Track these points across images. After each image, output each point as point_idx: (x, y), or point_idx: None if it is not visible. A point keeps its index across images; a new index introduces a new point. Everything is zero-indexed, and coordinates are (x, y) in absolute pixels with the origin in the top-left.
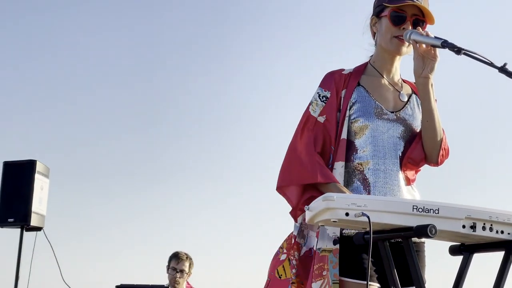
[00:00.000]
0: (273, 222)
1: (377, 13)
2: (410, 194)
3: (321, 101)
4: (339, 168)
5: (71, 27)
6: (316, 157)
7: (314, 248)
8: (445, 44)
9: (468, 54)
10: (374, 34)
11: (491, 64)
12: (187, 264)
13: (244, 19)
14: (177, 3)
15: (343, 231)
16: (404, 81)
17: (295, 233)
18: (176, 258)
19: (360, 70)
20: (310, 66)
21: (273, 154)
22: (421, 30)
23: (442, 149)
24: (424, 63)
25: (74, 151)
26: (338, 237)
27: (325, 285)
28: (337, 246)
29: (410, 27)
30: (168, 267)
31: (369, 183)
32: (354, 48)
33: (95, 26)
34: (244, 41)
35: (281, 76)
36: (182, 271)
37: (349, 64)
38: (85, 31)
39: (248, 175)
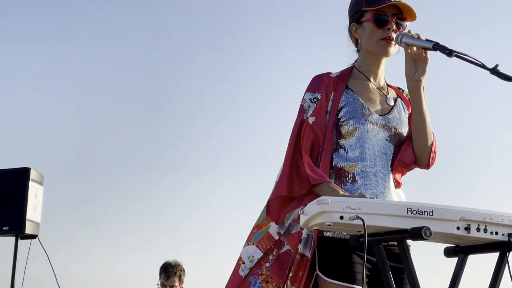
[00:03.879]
0: None
1: (357, 19)
2: (399, 197)
3: (312, 102)
4: (326, 171)
5: (70, 30)
6: (307, 159)
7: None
8: (437, 47)
9: (459, 56)
10: (356, 41)
11: (482, 66)
12: (176, 279)
13: (250, 20)
14: (182, 2)
15: (326, 233)
16: (388, 85)
17: (281, 231)
18: (164, 273)
19: (347, 73)
20: (314, 67)
21: (276, 154)
22: (412, 32)
23: (433, 152)
24: (416, 66)
25: (68, 158)
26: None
27: None
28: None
29: (394, 26)
30: (159, 280)
31: (360, 186)
32: (342, 54)
33: (94, 29)
34: (248, 41)
35: (288, 78)
36: (172, 286)
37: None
38: (84, 34)
39: (250, 175)
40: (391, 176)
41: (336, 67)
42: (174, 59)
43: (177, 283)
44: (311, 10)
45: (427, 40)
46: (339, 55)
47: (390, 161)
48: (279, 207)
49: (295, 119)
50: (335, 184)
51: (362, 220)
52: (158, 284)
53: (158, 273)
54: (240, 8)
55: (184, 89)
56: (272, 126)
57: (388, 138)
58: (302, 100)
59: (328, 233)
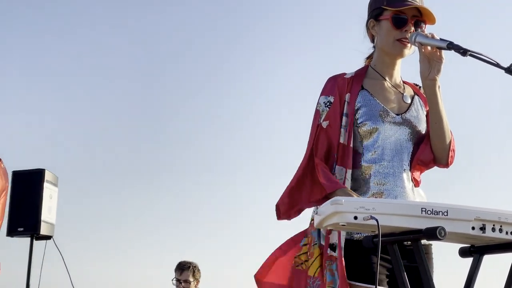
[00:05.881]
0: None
1: (375, 16)
2: (419, 195)
3: (326, 106)
4: (346, 175)
5: (80, 31)
6: (321, 166)
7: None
8: (451, 46)
9: (474, 55)
10: (372, 37)
11: (497, 65)
12: (189, 273)
13: (249, 20)
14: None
15: (353, 235)
16: (405, 82)
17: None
18: (178, 269)
19: (362, 73)
20: (317, 67)
21: (282, 154)
22: (426, 32)
23: (451, 151)
24: (430, 65)
25: (82, 159)
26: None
27: None
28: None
29: (412, 28)
30: (174, 277)
31: (378, 187)
32: (354, 51)
33: (105, 29)
34: (249, 40)
35: (288, 77)
36: (186, 281)
37: (353, 65)
38: (95, 34)
39: (260, 176)
40: (409, 175)
41: (352, 64)
42: (191, 60)
43: (191, 279)
44: (328, 6)
45: (441, 39)
46: (353, 51)
47: (409, 160)
48: (288, 208)
49: (311, 123)
50: (349, 189)
51: (376, 220)
52: (172, 280)
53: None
54: (254, 5)
55: (191, 94)
56: (292, 128)
57: (406, 137)
58: (317, 104)
59: (346, 235)
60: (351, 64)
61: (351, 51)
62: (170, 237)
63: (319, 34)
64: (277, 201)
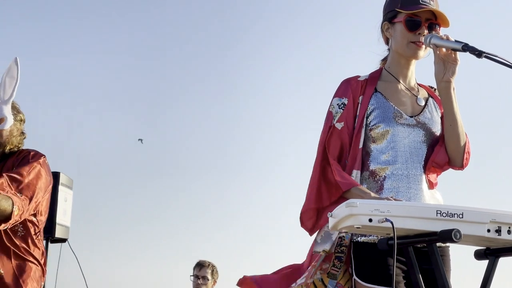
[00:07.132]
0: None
1: (390, 18)
2: (434, 198)
3: (339, 108)
4: (355, 177)
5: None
6: (335, 166)
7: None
8: (466, 48)
9: (489, 57)
10: (386, 39)
11: None
12: (209, 271)
13: (249, 20)
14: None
15: (359, 238)
16: (419, 85)
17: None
18: (198, 265)
19: (376, 76)
20: (315, 68)
21: (290, 153)
22: (440, 34)
23: (466, 153)
24: (445, 67)
25: (97, 162)
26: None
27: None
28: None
29: (426, 31)
30: (192, 275)
31: (392, 189)
32: (365, 51)
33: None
34: (248, 41)
35: (286, 76)
36: (204, 277)
37: (360, 66)
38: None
39: (260, 178)
40: (424, 177)
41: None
42: (194, 59)
43: (210, 276)
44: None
45: (456, 41)
46: (369, 52)
47: (423, 162)
48: (311, 217)
49: (323, 124)
50: (364, 188)
51: (391, 223)
52: (190, 277)
53: (190, 276)
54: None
55: (197, 93)
56: (287, 125)
57: (420, 139)
58: (330, 105)
59: (362, 238)
60: (352, 64)
61: (351, 52)
62: (184, 238)
63: (319, 34)
64: (301, 207)
